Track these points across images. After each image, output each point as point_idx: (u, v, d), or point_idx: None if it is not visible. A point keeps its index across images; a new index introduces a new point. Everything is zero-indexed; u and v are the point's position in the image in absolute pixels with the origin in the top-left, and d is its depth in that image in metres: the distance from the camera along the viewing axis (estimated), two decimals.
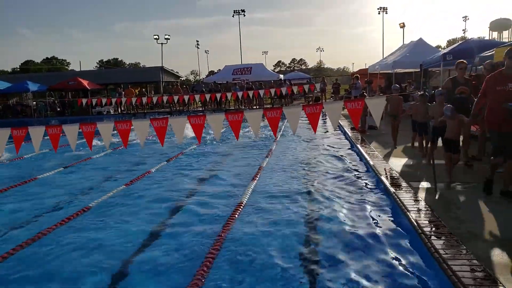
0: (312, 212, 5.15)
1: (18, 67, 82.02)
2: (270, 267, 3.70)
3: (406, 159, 7.44)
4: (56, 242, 4.47)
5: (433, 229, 3.96)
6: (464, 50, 11.98)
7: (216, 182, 7.03)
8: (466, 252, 3.42)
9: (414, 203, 4.77)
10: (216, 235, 4.40)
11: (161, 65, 35.81)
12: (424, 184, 5.60)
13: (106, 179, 7.58)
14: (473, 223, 4.13)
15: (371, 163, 7.09)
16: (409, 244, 3.97)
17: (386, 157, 7.66)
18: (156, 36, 39.00)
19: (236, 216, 5.01)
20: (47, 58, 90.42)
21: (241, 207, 5.33)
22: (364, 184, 6.27)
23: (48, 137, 5.44)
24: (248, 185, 6.42)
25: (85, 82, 26.95)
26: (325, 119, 14.38)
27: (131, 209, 5.62)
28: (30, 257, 4.12)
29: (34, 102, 27.06)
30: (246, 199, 5.67)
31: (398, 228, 4.38)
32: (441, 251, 3.43)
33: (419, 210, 4.53)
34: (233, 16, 50.02)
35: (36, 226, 5.06)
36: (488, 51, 9.27)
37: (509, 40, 27.64)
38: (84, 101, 22.05)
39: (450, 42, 71.92)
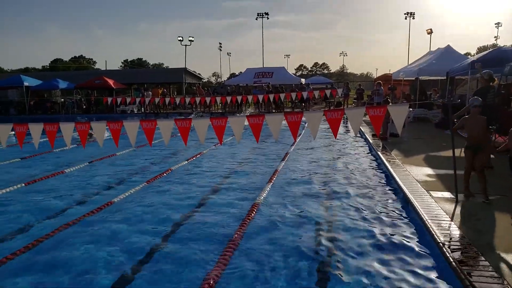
0: (329, 218, 5.16)
1: (48, 65, 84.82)
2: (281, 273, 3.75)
3: (427, 167, 7.34)
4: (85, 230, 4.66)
5: (452, 239, 3.92)
6: (494, 58, 11.68)
7: (232, 183, 7.11)
8: (485, 264, 3.38)
9: (433, 213, 4.72)
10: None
11: (184, 67, 36.36)
12: (445, 194, 5.53)
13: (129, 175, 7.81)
14: (492, 235, 4.07)
15: (391, 170, 7.04)
16: (427, 254, 3.94)
17: (407, 165, 7.58)
18: (181, 38, 39.74)
19: (252, 216, 5.10)
20: (74, 57, 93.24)
21: (256, 207, 5.39)
22: (383, 192, 6.23)
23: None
24: (264, 187, 6.49)
25: (110, 82, 27.63)
26: (346, 125, 14.34)
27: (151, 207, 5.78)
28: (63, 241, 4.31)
29: (62, 100, 27.99)
30: (261, 200, 5.74)
31: (417, 237, 4.35)
32: (460, 263, 3.41)
33: (438, 220, 4.48)
34: (256, 19, 50.41)
35: (63, 217, 5.28)
36: None
37: None
38: (109, 99, 22.63)
39: (480, 49, 70.11)
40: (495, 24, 57.59)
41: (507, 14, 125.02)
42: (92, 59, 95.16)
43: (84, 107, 27.43)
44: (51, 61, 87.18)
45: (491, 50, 13.92)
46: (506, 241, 3.94)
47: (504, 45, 16.06)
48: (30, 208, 5.80)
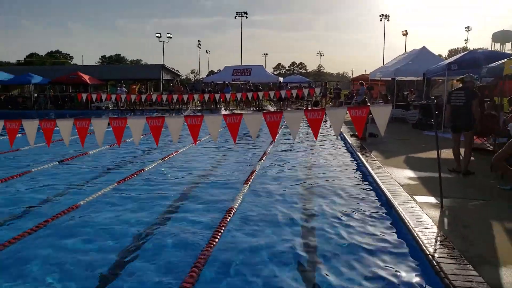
0: (308, 224, 4.88)
1: (23, 59, 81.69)
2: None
3: (408, 170, 7.17)
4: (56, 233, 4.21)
5: (440, 249, 3.70)
6: (470, 60, 11.79)
7: (210, 184, 6.75)
8: (475, 275, 3.17)
9: (419, 220, 4.50)
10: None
11: (162, 63, 35.59)
12: (429, 199, 5.33)
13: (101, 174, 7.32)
14: (481, 243, 3.88)
15: (372, 173, 6.83)
16: (414, 265, 3.70)
17: (388, 167, 7.40)
18: (159, 34, 38.85)
19: (228, 219, 4.76)
20: (51, 51, 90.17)
21: (232, 212, 5.05)
22: (364, 196, 6.00)
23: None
24: (241, 188, 6.16)
25: (86, 77, 26.76)
26: (324, 125, 14.13)
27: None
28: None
29: (36, 95, 26.84)
30: (237, 204, 5.40)
31: (402, 246, 4.12)
32: (451, 275, 3.18)
33: (425, 228, 4.26)
34: (235, 18, 49.94)
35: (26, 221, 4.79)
36: (496, 62, 9.04)
37: None
38: (84, 96, 21.78)
39: (451, 52, 71.97)
40: (465, 27, 59.31)
41: (477, 18, 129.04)
42: (69, 54, 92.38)
43: (59, 103, 26.38)
44: (26, 56, 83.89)
45: (466, 52, 14.06)
46: (496, 250, 3.74)
47: (479, 48, 16.22)
48: None
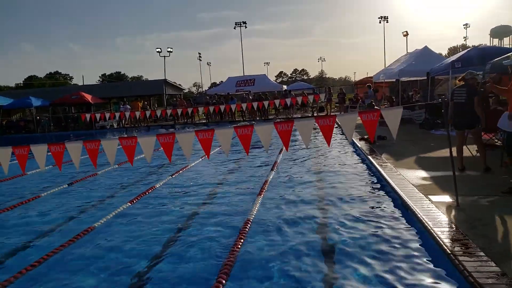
0: (325, 228, 4.90)
1: (22, 82, 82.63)
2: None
3: (420, 170, 7.17)
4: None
5: (461, 248, 3.70)
6: (473, 57, 11.82)
7: (223, 195, 6.78)
8: (497, 271, 3.16)
9: (436, 219, 4.50)
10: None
11: (164, 78, 35.88)
12: (444, 198, 5.33)
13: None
14: (500, 238, 3.87)
15: (385, 175, 6.83)
16: (435, 264, 3.70)
17: (399, 168, 7.39)
18: (159, 49, 39.29)
19: (248, 227, 4.79)
20: (50, 73, 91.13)
21: (249, 222, 5.08)
22: (379, 199, 6.01)
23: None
24: (256, 199, 6.19)
25: (88, 97, 26.95)
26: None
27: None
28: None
29: (38, 117, 27.02)
30: (254, 213, 5.43)
31: (422, 246, 4.12)
32: (475, 273, 3.18)
33: (443, 227, 4.26)
34: (234, 28, 50.38)
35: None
36: (500, 57, 9.05)
37: (510, 46, 27.54)
38: (87, 116, 21.92)
39: (451, 50, 71.87)
40: (464, 25, 59.30)
41: (475, 15, 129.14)
42: (68, 74, 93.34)
43: (63, 124, 26.59)
44: (25, 78, 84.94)
45: (468, 49, 14.09)
46: None
47: (480, 44, 16.24)
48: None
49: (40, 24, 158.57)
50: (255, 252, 4.28)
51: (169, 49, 40.30)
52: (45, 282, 3.94)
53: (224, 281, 3.49)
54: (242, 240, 4.47)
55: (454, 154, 5.34)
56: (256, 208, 5.68)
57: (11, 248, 4.96)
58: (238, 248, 4.27)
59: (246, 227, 4.87)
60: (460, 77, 7.29)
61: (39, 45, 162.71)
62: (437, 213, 4.70)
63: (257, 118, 23.74)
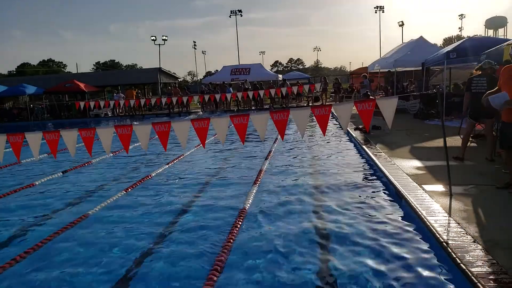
0: (319, 216, 4.94)
1: (14, 70, 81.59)
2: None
3: (415, 160, 7.24)
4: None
5: (454, 236, 3.76)
6: (468, 48, 11.85)
7: (219, 185, 6.80)
8: (493, 263, 3.23)
9: (430, 208, 4.56)
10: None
11: (158, 66, 35.61)
12: (438, 187, 5.40)
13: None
14: (492, 227, 3.94)
15: (379, 165, 6.89)
16: (428, 252, 3.76)
17: (393, 158, 7.45)
18: (154, 37, 38.93)
19: (242, 218, 4.82)
20: (43, 60, 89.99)
21: (244, 212, 5.11)
22: (373, 188, 6.06)
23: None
24: (251, 187, 6.21)
25: (82, 85, 26.73)
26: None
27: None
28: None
29: (32, 105, 26.78)
30: (249, 202, 5.46)
31: (415, 234, 4.18)
32: (468, 263, 3.24)
33: (435, 215, 4.32)
34: (230, 17, 49.99)
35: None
36: (493, 47, 9.09)
37: (505, 37, 27.59)
38: (81, 104, 21.75)
39: (446, 40, 71.88)
40: (459, 15, 59.27)
41: (469, 5, 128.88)
42: (62, 62, 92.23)
43: (57, 112, 26.38)
44: (18, 66, 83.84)
45: (463, 40, 14.10)
46: (509, 233, 3.81)
47: (475, 35, 16.20)
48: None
49: (31, 10, 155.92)
50: (249, 242, 4.31)
51: (164, 37, 39.95)
52: (36, 271, 3.93)
53: (217, 273, 3.52)
54: (237, 229, 4.51)
55: (449, 144, 5.41)
56: (251, 197, 5.71)
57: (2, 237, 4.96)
58: (233, 237, 4.30)
59: (241, 216, 4.90)
60: (477, 67, 7.25)
61: (32, 32, 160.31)
62: (430, 202, 4.76)
63: (253, 108, 23.71)
